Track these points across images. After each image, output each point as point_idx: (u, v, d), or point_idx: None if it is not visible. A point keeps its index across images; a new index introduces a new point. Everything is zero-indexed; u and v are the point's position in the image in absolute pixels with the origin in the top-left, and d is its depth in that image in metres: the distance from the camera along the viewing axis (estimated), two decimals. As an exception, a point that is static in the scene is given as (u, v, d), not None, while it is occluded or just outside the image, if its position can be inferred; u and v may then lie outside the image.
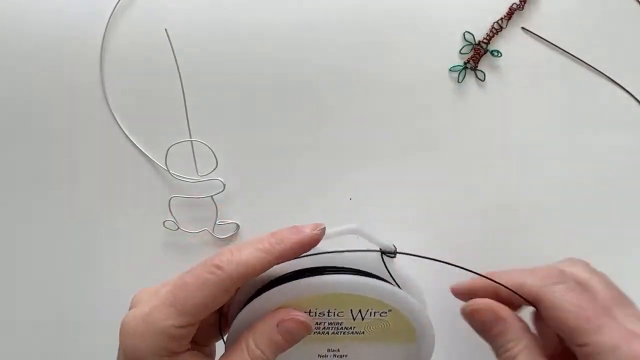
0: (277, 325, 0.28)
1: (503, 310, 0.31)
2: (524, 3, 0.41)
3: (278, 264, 0.29)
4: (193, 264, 0.42)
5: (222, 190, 0.41)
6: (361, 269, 0.32)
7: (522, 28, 0.41)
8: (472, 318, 0.32)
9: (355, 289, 0.30)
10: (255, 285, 0.32)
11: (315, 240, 0.29)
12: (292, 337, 0.29)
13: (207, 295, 0.27)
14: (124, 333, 0.28)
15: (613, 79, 0.41)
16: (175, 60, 0.40)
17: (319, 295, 0.30)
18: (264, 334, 0.28)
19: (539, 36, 0.41)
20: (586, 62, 0.41)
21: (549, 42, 0.41)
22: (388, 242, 0.33)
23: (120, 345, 0.28)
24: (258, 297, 0.30)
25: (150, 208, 0.42)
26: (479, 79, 0.41)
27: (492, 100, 0.41)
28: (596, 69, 0.41)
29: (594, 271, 0.33)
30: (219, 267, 0.27)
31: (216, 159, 0.40)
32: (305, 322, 0.29)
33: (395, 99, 0.41)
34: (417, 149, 0.42)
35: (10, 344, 0.43)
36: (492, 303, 0.32)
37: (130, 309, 0.29)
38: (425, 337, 0.33)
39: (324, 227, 0.30)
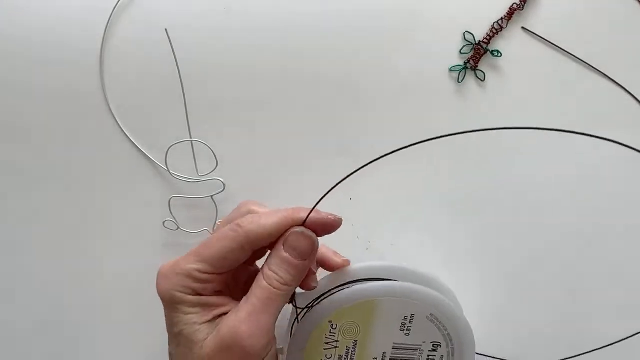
0: (283, 245, 0.31)
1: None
2: (524, 3, 0.41)
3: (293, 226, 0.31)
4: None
5: (222, 190, 0.41)
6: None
7: (522, 28, 0.41)
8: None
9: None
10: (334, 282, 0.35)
11: (334, 224, 0.32)
12: (296, 251, 0.31)
13: (223, 247, 0.30)
14: (158, 280, 0.31)
15: (613, 78, 0.41)
16: (175, 60, 0.40)
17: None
18: (274, 256, 0.31)
19: (539, 36, 0.41)
20: (586, 62, 0.41)
21: (549, 42, 0.41)
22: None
23: (157, 291, 0.31)
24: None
25: (150, 208, 0.42)
26: (479, 79, 0.41)
27: (492, 100, 0.41)
28: (596, 69, 0.41)
29: None
30: (239, 226, 0.30)
31: (216, 159, 0.40)
32: (304, 233, 0.31)
33: (395, 99, 0.41)
34: (417, 149, 0.42)
35: (10, 344, 0.43)
36: None
37: None
38: (466, 342, 0.35)
39: (340, 218, 0.32)
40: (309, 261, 0.31)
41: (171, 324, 0.31)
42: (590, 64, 0.41)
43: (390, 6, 0.41)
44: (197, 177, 0.41)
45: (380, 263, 0.35)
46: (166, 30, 0.40)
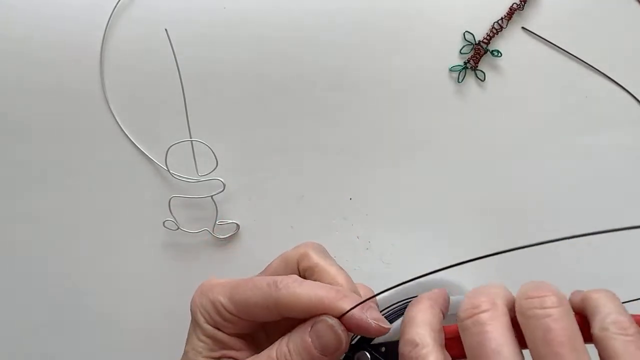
0: (310, 328, 0.28)
1: None
2: (524, 3, 0.41)
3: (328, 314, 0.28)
4: (192, 265, 0.43)
5: (222, 190, 0.41)
6: None
7: (522, 28, 0.41)
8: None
9: None
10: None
11: (373, 332, 0.28)
12: (320, 341, 0.27)
13: (251, 298, 0.28)
14: (195, 291, 0.31)
15: (613, 78, 0.41)
16: (176, 61, 0.40)
17: None
18: (297, 335, 0.28)
19: (539, 36, 0.41)
20: (586, 62, 0.41)
21: (549, 42, 0.41)
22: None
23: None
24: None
25: (150, 208, 0.42)
26: (479, 79, 0.41)
27: (492, 100, 0.41)
28: (596, 69, 0.41)
29: None
30: (276, 286, 0.28)
31: (216, 159, 0.40)
32: (334, 328, 0.27)
33: (395, 98, 0.41)
34: (417, 149, 0.42)
35: (10, 344, 0.43)
36: None
37: None
38: None
39: (386, 329, 0.28)
40: (330, 359, 0.28)
41: (187, 337, 0.31)
42: (590, 64, 0.41)
43: (390, 6, 0.41)
44: (197, 177, 0.41)
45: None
46: (166, 30, 0.40)
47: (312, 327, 0.27)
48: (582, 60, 0.41)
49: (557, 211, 0.42)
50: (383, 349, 0.30)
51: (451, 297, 0.30)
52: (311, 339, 0.27)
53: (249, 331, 0.30)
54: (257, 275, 0.32)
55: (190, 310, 0.30)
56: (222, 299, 0.29)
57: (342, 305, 0.27)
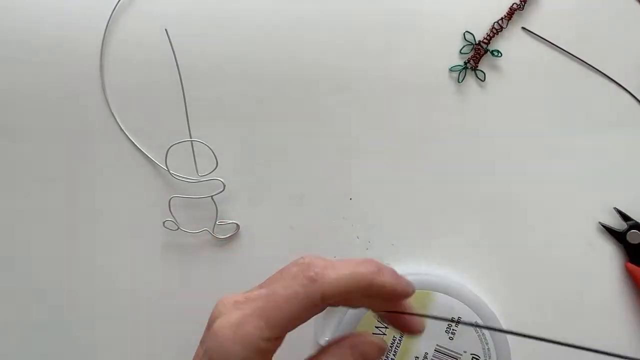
0: (351, 349, 0.26)
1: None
2: (524, 3, 0.41)
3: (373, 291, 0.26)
4: (192, 265, 0.42)
5: (222, 190, 0.41)
6: None
7: (522, 28, 0.41)
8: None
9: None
10: None
11: (406, 293, 0.27)
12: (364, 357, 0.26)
13: (294, 310, 0.25)
14: (216, 340, 0.25)
15: (613, 78, 0.41)
16: (176, 61, 0.40)
17: None
18: (335, 356, 0.26)
19: (539, 36, 0.41)
20: (586, 62, 0.41)
21: (549, 42, 0.41)
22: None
23: (207, 348, 0.26)
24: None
25: (150, 208, 0.42)
26: (479, 79, 0.41)
27: (492, 100, 0.41)
28: (596, 69, 0.41)
29: None
30: (312, 280, 0.25)
31: (216, 159, 0.40)
32: (380, 345, 0.27)
33: (395, 98, 0.41)
34: (417, 149, 0.42)
35: (11, 344, 0.43)
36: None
37: (216, 317, 0.27)
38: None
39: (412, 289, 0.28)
40: None
41: None
42: (590, 63, 0.41)
43: (390, 6, 0.41)
44: (197, 177, 0.41)
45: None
46: (166, 30, 0.40)
47: (352, 348, 0.26)
48: (582, 60, 0.41)
49: (558, 211, 0.42)
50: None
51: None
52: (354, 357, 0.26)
53: (280, 343, 0.27)
54: (261, 286, 0.28)
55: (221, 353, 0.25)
56: (261, 333, 0.25)
57: (382, 278, 0.26)
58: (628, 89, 0.41)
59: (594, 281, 0.41)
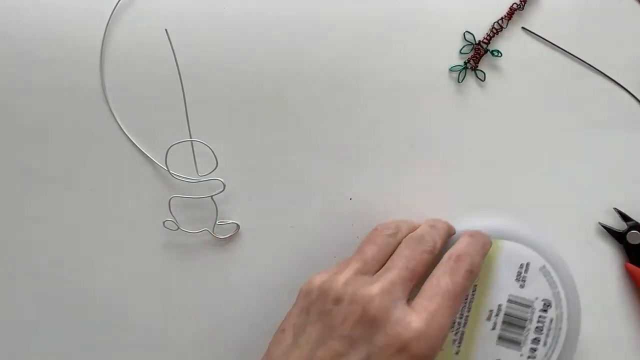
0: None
1: None
2: (524, 3, 0.41)
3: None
4: (192, 265, 0.43)
5: (222, 190, 0.41)
6: None
7: (522, 28, 0.41)
8: None
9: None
10: None
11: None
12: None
13: (428, 266, 0.34)
14: (427, 341, 0.30)
15: (613, 78, 0.41)
16: (175, 60, 0.40)
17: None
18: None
19: (539, 36, 0.41)
20: (586, 62, 0.41)
21: (549, 42, 0.41)
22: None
23: (412, 349, 0.29)
24: None
25: (150, 208, 0.42)
26: (479, 78, 0.41)
27: (492, 100, 0.41)
28: (596, 69, 0.41)
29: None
30: (433, 227, 0.37)
31: (216, 159, 0.40)
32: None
33: (395, 99, 0.41)
34: (417, 149, 0.42)
35: (10, 344, 0.43)
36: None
37: (381, 313, 0.31)
38: (573, 305, 0.37)
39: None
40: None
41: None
42: (591, 63, 0.41)
43: (390, 6, 0.41)
44: (197, 177, 0.41)
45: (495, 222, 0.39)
46: (166, 30, 0.40)
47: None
48: (583, 60, 0.41)
49: (557, 211, 0.42)
50: None
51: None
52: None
53: None
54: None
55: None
56: (449, 322, 0.31)
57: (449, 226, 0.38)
58: (628, 88, 0.41)
59: (594, 281, 0.41)
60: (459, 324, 0.37)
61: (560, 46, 0.41)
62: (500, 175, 0.42)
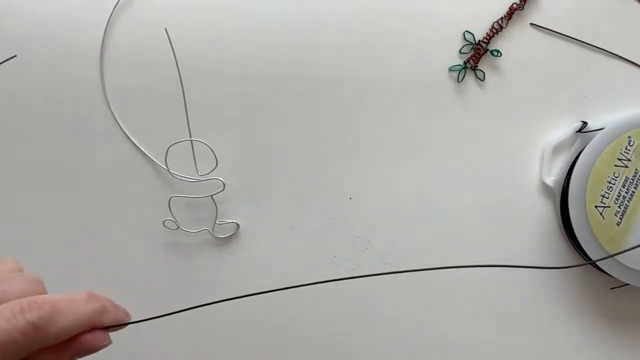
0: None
1: None
2: (524, 3, 0.41)
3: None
4: (192, 264, 0.43)
5: (222, 190, 0.41)
6: None
7: (523, 28, 0.41)
8: None
9: None
10: None
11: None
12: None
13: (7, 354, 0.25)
14: None
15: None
16: (175, 60, 0.40)
17: None
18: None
19: (544, 28, 0.41)
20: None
21: (554, 31, 0.41)
22: None
23: None
24: None
25: (150, 208, 0.42)
26: (479, 78, 0.41)
27: (492, 100, 0.41)
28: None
29: None
30: (37, 329, 0.25)
31: (216, 159, 0.40)
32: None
33: (395, 98, 0.41)
34: (417, 149, 0.42)
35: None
36: None
37: None
38: None
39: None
40: None
41: None
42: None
43: (390, 6, 0.41)
44: (197, 177, 0.41)
45: None
46: (166, 30, 0.40)
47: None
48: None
49: (557, 210, 0.42)
50: None
51: None
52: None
53: None
54: None
55: None
56: None
57: (105, 318, 0.30)
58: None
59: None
60: (624, 197, 0.38)
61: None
62: (500, 174, 0.42)
